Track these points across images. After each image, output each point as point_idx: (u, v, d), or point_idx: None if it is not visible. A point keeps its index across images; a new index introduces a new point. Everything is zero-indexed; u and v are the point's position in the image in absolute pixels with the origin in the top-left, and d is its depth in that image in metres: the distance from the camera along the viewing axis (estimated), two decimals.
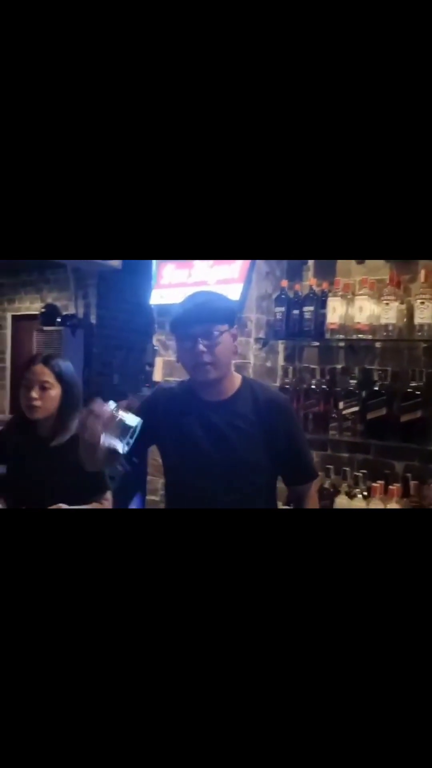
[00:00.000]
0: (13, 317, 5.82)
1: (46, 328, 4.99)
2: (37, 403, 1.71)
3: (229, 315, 1.41)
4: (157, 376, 2.85)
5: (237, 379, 1.47)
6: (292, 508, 1.53)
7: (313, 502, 1.56)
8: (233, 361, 1.45)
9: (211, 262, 2.61)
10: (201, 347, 1.35)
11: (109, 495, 1.75)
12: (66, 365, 1.80)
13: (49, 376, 1.73)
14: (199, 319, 1.37)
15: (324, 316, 2.31)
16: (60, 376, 1.76)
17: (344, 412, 2.25)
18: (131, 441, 1.21)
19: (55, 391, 1.74)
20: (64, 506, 1.57)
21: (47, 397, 1.73)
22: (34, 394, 1.71)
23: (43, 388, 1.72)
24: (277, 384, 2.55)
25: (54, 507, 1.56)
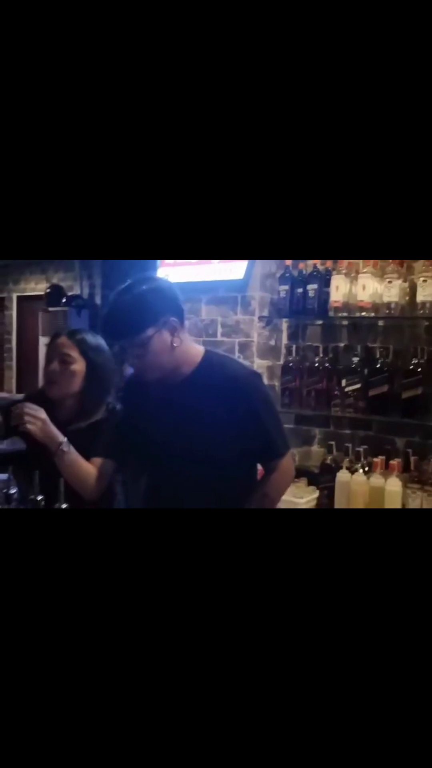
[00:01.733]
0: (18, 298, 5.84)
1: (51, 308, 5.01)
2: (57, 378, 1.58)
3: (153, 315, 1.31)
4: None
5: (195, 357, 1.41)
6: (262, 493, 1.45)
7: (282, 480, 1.48)
8: (181, 347, 1.36)
9: None
10: (129, 359, 1.34)
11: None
12: (95, 341, 1.63)
13: (71, 350, 1.59)
14: (117, 334, 1.35)
15: (327, 294, 2.33)
16: (85, 352, 1.60)
17: (347, 390, 2.29)
18: None
19: (78, 367, 1.59)
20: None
21: (68, 373, 1.57)
22: (54, 367, 1.58)
23: (64, 362, 1.58)
24: (281, 362, 2.58)
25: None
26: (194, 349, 1.42)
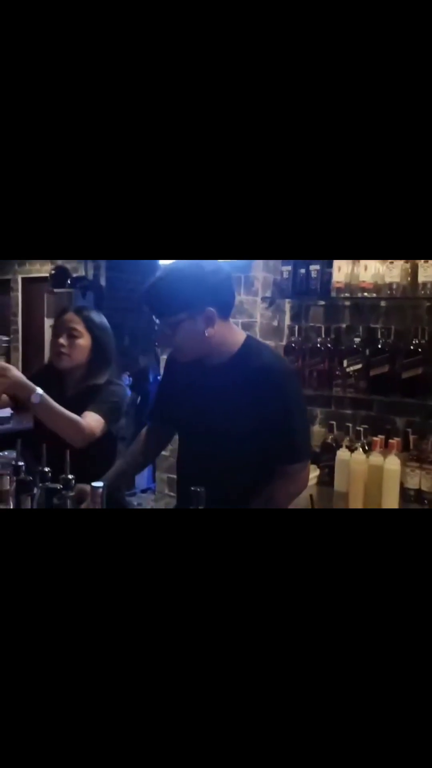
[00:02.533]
0: (24, 280, 5.86)
1: (56, 290, 5.04)
2: (65, 350, 1.73)
3: (187, 301, 1.30)
4: None
5: (235, 342, 1.39)
6: (268, 493, 1.39)
7: (294, 488, 1.42)
8: (218, 336, 1.34)
9: None
10: (159, 337, 1.38)
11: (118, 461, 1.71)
12: (98, 317, 1.80)
13: (78, 324, 1.74)
14: (150, 309, 1.37)
15: (330, 275, 2.35)
16: (90, 327, 1.76)
17: (348, 370, 2.31)
18: None
19: (84, 341, 1.74)
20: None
21: (75, 346, 1.73)
22: (62, 341, 1.73)
23: (72, 336, 1.73)
24: (284, 343, 2.61)
25: None
26: (234, 336, 1.40)
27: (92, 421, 1.65)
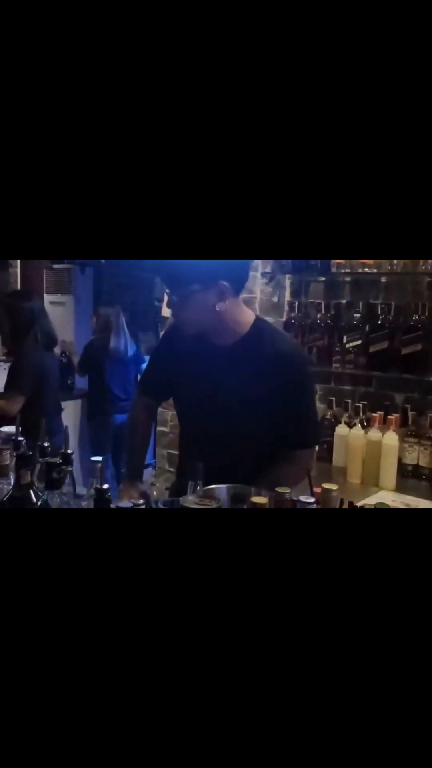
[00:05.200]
0: None
1: (55, 266, 5.00)
2: None
3: (201, 273, 1.30)
4: (165, 311, 2.90)
5: (245, 323, 1.39)
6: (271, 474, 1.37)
7: (300, 473, 1.34)
8: (228, 313, 1.35)
9: None
10: (170, 306, 1.35)
11: None
12: None
13: None
14: (165, 279, 1.36)
15: None
16: None
17: (347, 346, 2.31)
18: None
19: None
20: None
21: None
22: None
23: None
24: (283, 319, 2.60)
25: None
26: (244, 316, 1.40)
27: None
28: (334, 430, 2.29)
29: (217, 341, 1.40)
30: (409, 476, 2.14)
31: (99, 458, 1.21)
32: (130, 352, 4.06)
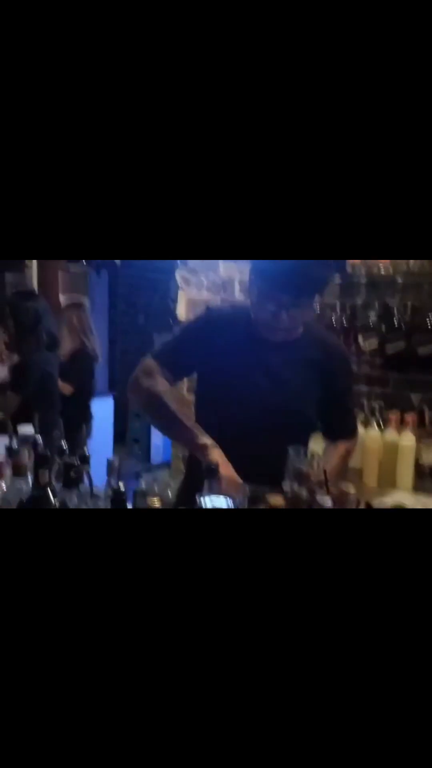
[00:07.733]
0: None
1: (71, 268, 5.04)
2: None
3: (320, 285, 1.38)
4: (180, 312, 2.91)
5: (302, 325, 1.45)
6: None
7: (343, 463, 1.53)
8: None
9: None
10: (283, 317, 1.33)
11: None
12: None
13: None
14: (289, 289, 1.31)
15: None
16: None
17: (364, 347, 2.30)
18: None
19: None
20: None
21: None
22: None
23: None
24: None
25: None
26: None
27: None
28: None
29: (276, 338, 1.41)
30: (426, 477, 2.12)
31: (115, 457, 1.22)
32: None
